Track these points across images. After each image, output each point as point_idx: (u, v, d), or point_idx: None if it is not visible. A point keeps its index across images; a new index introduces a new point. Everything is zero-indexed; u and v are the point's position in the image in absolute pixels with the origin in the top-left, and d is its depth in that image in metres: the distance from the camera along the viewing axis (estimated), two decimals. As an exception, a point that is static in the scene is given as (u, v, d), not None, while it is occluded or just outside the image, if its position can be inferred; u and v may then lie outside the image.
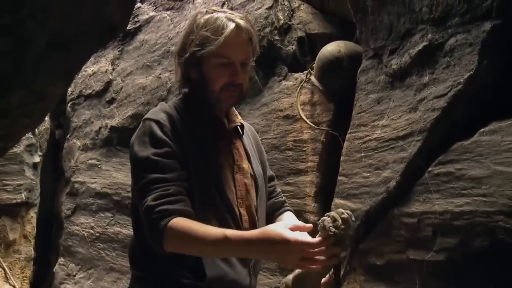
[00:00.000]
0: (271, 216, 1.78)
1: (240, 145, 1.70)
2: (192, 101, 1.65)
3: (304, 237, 1.27)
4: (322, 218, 1.29)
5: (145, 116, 1.58)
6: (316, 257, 1.27)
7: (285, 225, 1.31)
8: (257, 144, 1.83)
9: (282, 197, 1.88)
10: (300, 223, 1.42)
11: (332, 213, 1.28)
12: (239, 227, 1.53)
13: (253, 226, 1.61)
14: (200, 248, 1.39)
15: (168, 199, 1.41)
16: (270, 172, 1.89)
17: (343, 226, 1.24)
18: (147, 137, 1.50)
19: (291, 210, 1.84)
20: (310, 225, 1.38)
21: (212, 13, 1.57)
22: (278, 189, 1.92)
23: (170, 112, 1.56)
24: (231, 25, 1.52)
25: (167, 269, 1.48)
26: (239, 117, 1.74)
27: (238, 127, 1.71)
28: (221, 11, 1.59)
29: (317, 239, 1.27)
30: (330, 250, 1.27)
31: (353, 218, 1.28)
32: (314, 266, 1.28)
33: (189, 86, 1.66)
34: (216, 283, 1.47)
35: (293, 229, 1.29)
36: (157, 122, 1.51)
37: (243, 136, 1.73)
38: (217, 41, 1.50)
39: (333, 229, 1.23)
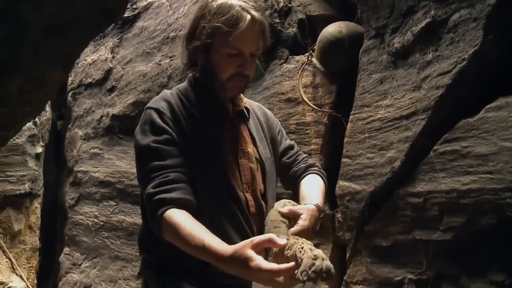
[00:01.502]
0: (293, 188, 1.77)
1: (245, 129, 1.68)
2: (196, 86, 1.64)
3: (268, 265, 1.20)
4: (299, 248, 1.21)
5: (146, 105, 1.58)
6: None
7: (255, 245, 1.23)
8: (267, 122, 1.80)
9: (304, 163, 1.81)
10: (296, 208, 1.46)
11: (313, 254, 1.17)
12: (244, 213, 1.54)
13: (260, 211, 1.61)
14: (185, 247, 1.38)
15: (166, 187, 1.42)
16: (288, 142, 1.86)
17: (313, 276, 1.13)
18: (147, 125, 1.52)
19: (314, 172, 1.77)
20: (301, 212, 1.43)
21: (229, 1, 1.52)
22: (301, 156, 1.85)
23: (170, 100, 1.56)
24: (247, 18, 1.49)
25: (174, 254, 1.47)
26: (244, 101, 1.73)
27: (244, 110, 1.70)
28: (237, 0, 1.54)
29: (282, 267, 1.19)
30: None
31: (331, 273, 1.15)
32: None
33: (194, 70, 1.65)
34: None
35: (259, 243, 1.24)
36: (157, 110, 1.52)
37: (249, 120, 1.71)
38: (231, 33, 1.47)
39: (304, 278, 1.14)
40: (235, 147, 1.62)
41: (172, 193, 1.41)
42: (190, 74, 1.69)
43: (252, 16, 1.50)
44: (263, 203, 1.62)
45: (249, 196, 1.59)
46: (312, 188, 1.67)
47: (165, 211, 1.39)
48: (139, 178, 1.53)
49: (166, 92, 1.63)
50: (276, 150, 1.77)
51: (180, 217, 1.37)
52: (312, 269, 1.13)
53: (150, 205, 1.43)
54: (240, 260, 1.22)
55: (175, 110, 1.54)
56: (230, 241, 1.44)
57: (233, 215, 1.52)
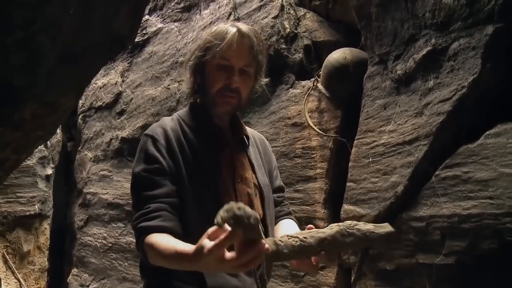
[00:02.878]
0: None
1: (244, 156, 1.70)
2: (195, 111, 1.68)
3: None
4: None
5: (145, 132, 1.63)
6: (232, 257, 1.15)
7: (210, 235, 1.17)
8: (266, 154, 1.83)
9: (287, 208, 1.87)
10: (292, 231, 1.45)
11: (231, 205, 1.09)
12: None
13: None
14: (166, 263, 1.38)
15: (146, 216, 1.45)
16: (280, 183, 1.88)
17: (232, 222, 1.07)
18: (141, 153, 1.57)
19: (292, 219, 1.82)
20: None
21: (223, 23, 1.63)
22: (286, 201, 1.91)
23: (166, 127, 1.59)
24: (233, 30, 1.57)
25: (171, 278, 1.49)
26: (245, 128, 1.75)
27: (244, 137, 1.72)
28: (232, 23, 1.64)
29: (222, 236, 1.12)
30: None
31: (252, 220, 1.07)
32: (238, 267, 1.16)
33: (196, 93, 1.69)
34: None
35: (214, 232, 1.16)
36: (152, 137, 1.56)
37: (249, 147, 1.73)
38: (219, 45, 1.54)
39: (219, 220, 1.07)
40: (232, 173, 1.62)
41: (151, 221, 1.44)
42: (191, 100, 1.73)
43: (239, 29, 1.57)
44: (262, 227, 1.60)
45: None
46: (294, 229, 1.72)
47: (144, 238, 1.42)
48: (131, 205, 1.58)
49: (165, 119, 1.67)
50: (271, 183, 1.79)
51: (156, 238, 1.40)
52: (225, 208, 1.07)
53: (134, 232, 1.49)
54: (199, 252, 1.17)
55: (169, 136, 1.56)
56: None
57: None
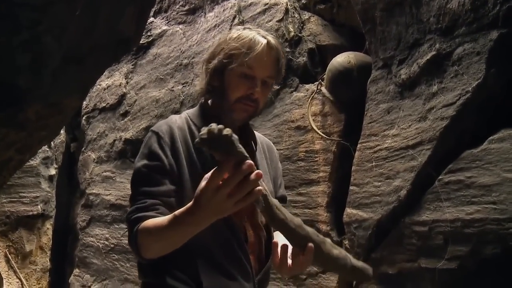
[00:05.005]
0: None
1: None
2: (205, 112, 1.66)
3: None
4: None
5: (151, 127, 1.62)
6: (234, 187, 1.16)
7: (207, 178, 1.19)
8: (272, 161, 1.82)
9: None
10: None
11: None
12: (239, 241, 1.52)
13: (260, 242, 1.61)
14: (164, 238, 1.37)
15: (141, 209, 1.44)
16: (283, 192, 1.87)
17: (205, 137, 1.10)
18: (145, 149, 1.55)
19: None
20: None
21: (244, 29, 1.61)
22: None
23: (173, 126, 1.58)
24: (263, 41, 1.55)
25: (168, 278, 1.49)
26: (254, 134, 1.75)
27: (252, 142, 1.71)
28: (256, 30, 1.61)
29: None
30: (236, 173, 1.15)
31: (225, 131, 1.10)
32: (243, 199, 1.18)
33: (208, 95, 1.67)
34: None
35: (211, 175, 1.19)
36: (157, 134, 1.55)
37: (256, 152, 1.72)
38: (247, 54, 1.52)
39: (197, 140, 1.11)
40: None
41: (146, 212, 1.43)
42: (202, 100, 1.71)
43: (269, 41, 1.55)
44: (265, 234, 1.62)
45: (248, 226, 1.58)
46: None
47: (138, 226, 1.41)
48: (129, 198, 1.57)
49: (173, 117, 1.65)
50: (275, 191, 1.77)
51: (149, 221, 1.39)
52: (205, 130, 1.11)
53: (128, 226, 1.47)
54: (198, 197, 1.20)
55: (175, 135, 1.55)
56: (222, 268, 1.48)
57: (227, 243, 1.50)
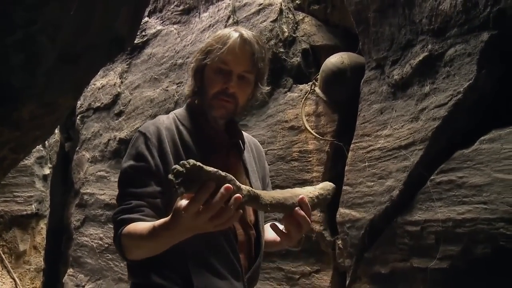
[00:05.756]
0: None
1: (239, 160, 1.70)
2: (192, 113, 1.68)
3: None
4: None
5: (139, 128, 1.63)
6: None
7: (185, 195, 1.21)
8: (260, 160, 1.83)
9: (274, 214, 1.88)
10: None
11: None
12: (229, 240, 1.53)
13: (249, 240, 1.62)
14: (143, 246, 1.40)
15: (127, 211, 1.46)
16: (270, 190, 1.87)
17: (173, 178, 1.12)
18: (132, 149, 1.57)
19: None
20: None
21: (226, 28, 1.66)
22: None
23: (161, 126, 1.59)
24: (235, 35, 1.58)
25: (158, 278, 1.50)
26: (241, 132, 1.76)
27: (240, 142, 1.72)
28: (235, 28, 1.64)
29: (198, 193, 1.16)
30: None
31: (187, 164, 1.12)
32: (223, 221, 1.20)
33: (194, 94, 1.69)
34: None
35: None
36: (144, 135, 1.56)
37: (244, 152, 1.73)
38: (220, 48, 1.55)
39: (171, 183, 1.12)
40: None
41: (131, 214, 1.45)
42: (189, 100, 1.72)
43: (241, 35, 1.58)
44: (254, 232, 1.63)
45: (237, 225, 1.58)
46: None
47: (123, 229, 1.43)
48: (116, 198, 1.58)
49: (160, 117, 1.66)
50: (263, 190, 1.78)
51: (133, 225, 1.42)
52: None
53: (113, 227, 1.49)
54: (176, 213, 1.22)
55: (162, 136, 1.56)
56: (212, 267, 1.49)
57: (216, 242, 1.51)
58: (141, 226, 1.39)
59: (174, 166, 1.13)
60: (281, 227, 1.46)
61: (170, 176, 1.12)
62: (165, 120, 1.63)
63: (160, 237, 1.33)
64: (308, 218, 1.37)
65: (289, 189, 1.46)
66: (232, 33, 1.59)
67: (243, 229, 1.61)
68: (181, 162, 1.13)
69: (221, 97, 1.58)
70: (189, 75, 1.69)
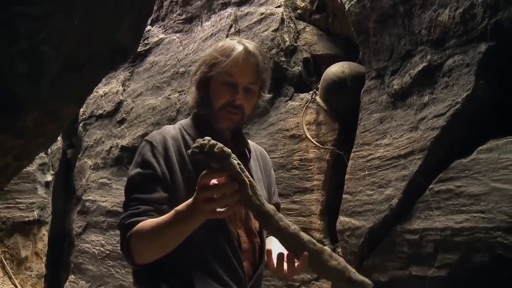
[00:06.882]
0: None
1: (244, 168, 1.72)
2: (198, 123, 1.69)
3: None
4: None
5: (146, 137, 1.65)
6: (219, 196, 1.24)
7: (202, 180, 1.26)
8: (266, 169, 1.84)
9: None
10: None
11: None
12: (233, 247, 1.54)
13: (253, 248, 1.63)
14: (159, 236, 1.41)
15: (135, 215, 1.48)
16: (277, 200, 1.89)
17: (196, 150, 1.18)
18: (138, 157, 1.59)
19: None
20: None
21: (229, 39, 1.67)
22: None
23: (167, 136, 1.61)
24: (239, 48, 1.60)
25: (163, 285, 1.51)
26: (247, 141, 1.77)
27: (246, 151, 1.74)
28: (239, 39, 1.66)
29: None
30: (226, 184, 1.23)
31: (216, 149, 1.18)
32: (223, 207, 1.25)
33: (198, 105, 1.71)
34: None
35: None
36: (150, 143, 1.58)
37: (250, 160, 1.74)
38: (225, 61, 1.57)
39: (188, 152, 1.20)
40: None
41: (139, 217, 1.46)
42: (194, 111, 1.74)
43: (246, 47, 1.60)
44: (258, 240, 1.64)
45: (241, 233, 1.60)
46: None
47: (131, 231, 1.44)
48: (122, 204, 1.59)
49: (166, 127, 1.69)
50: (269, 198, 1.79)
51: (142, 222, 1.43)
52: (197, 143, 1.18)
53: (120, 232, 1.50)
54: (193, 201, 1.28)
55: (168, 145, 1.58)
56: (216, 275, 1.50)
57: (220, 249, 1.52)
58: (152, 220, 1.41)
59: (203, 140, 1.18)
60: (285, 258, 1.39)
61: (196, 144, 1.18)
62: (171, 130, 1.65)
63: (175, 226, 1.36)
64: (297, 272, 1.35)
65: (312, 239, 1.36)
66: (236, 45, 1.60)
67: (248, 237, 1.62)
68: (211, 143, 1.18)
69: (228, 109, 1.61)
70: (192, 85, 1.71)
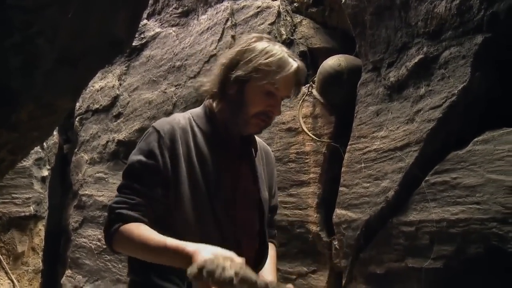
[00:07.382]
0: None
1: (249, 168, 1.71)
2: (211, 116, 1.66)
3: None
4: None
5: (154, 123, 1.62)
6: None
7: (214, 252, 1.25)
8: (269, 170, 1.85)
9: (273, 230, 1.92)
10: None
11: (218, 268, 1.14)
12: (232, 248, 1.52)
13: (253, 246, 1.64)
14: (142, 252, 1.43)
15: (128, 205, 1.48)
16: (275, 202, 1.90)
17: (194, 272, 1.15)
18: (143, 144, 1.56)
19: (272, 243, 1.88)
20: None
21: (268, 41, 1.62)
22: (274, 222, 1.96)
23: (175, 126, 1.57)
24: (293, 64, 1.58)
25: (157, 279, 1.52)
26: (256, 140, 1.76)
27: (253, 149, 1.74)
28: (278, 45, 1.63)
29: None
30: None
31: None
32: None
33: (218, 99, 1.66)
34: None
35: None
36: (158, 132, 1.55)
37: (256, 159, 1.74)
38: (278, 73, 1.54)
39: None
40: (235, 183, 1.63)
41: (132, 211, 1.46)
42: (207, 102, 1.69)
43: (299, 65, 1.60)
44: (257, 241, 1.65)
45: (242, 236, 1.61)
46: (270, 266, 1.76)
47: (121, 225, 1.45)
48: (118, 186, 1.58)
49: (176, 116, 1.65)
50: (270, 198, 1.81)
51: (138, 227, 1.43)
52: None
53: (108, 217, 1.51)
54: (197, 258, 1.24)
55: (176, 136, 1.55)
56: None
57: (215, 242, 1.48)
58: (143, 233, 1.40)
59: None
60: None
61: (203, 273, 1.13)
62: (181, 120, 1.61)
63: (166, 256, 1.35)
64: None
65: None
66: (289, 60, 1.58)
67: (248, 238, 1.63)
68: (223, 276, 1.12)
69: (261, 117, 1.60)
70: (220, 76, 1.62)
